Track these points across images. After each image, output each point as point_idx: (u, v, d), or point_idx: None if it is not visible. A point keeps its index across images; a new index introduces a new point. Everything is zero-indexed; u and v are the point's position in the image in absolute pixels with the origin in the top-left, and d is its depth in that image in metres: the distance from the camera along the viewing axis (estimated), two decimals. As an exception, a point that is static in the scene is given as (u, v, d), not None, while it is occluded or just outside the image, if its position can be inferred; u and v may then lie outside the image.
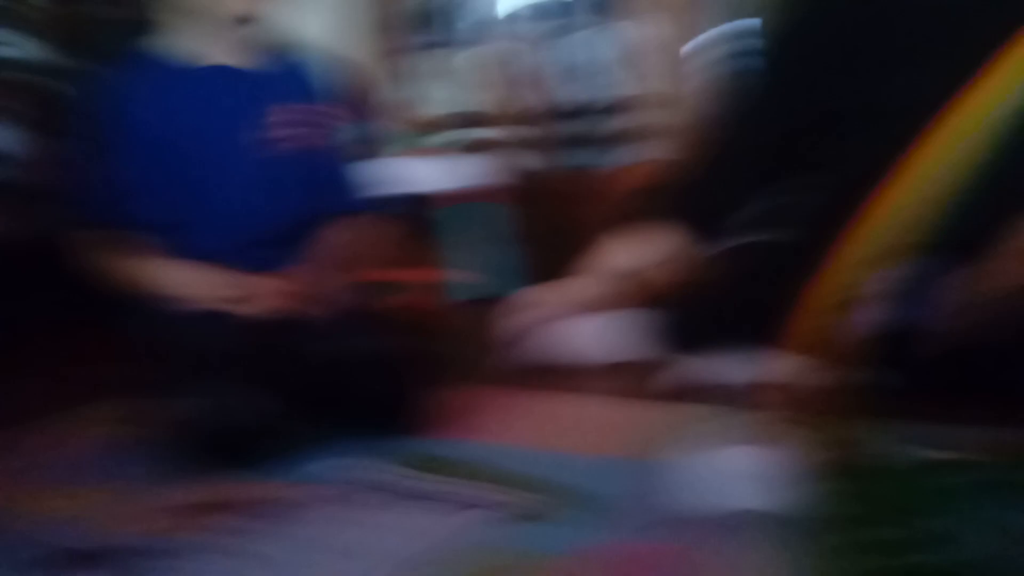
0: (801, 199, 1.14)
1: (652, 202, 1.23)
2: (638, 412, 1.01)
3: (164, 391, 0.93)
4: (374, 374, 0.94)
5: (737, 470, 0.74)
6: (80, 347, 1.60)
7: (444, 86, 2.39)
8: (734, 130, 1.20)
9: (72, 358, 1.56)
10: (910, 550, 0.61)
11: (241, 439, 0.89)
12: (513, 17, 2.25)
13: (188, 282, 0.97)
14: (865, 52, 1.07)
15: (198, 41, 1.02)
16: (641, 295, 1.22)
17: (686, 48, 2.06)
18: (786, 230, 1.16)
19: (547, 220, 2.15)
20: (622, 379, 1.15)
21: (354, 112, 1.17)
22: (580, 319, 1.21)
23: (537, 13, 2.23)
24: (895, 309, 0.92)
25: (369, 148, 1.23)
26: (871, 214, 0.97)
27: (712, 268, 1.20)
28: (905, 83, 1.00)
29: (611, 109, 2.22)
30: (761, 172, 1.17)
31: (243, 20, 1.01)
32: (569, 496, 0.76)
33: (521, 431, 0.97)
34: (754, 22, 1.28)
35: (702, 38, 2.09)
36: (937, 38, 1.03)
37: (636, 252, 1.21)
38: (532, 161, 2.26)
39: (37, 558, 0.70)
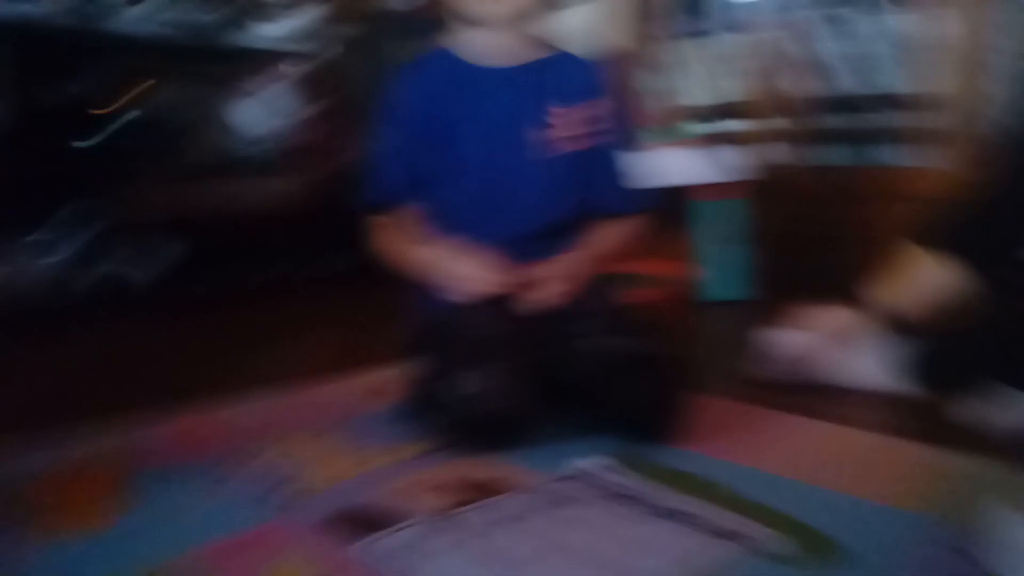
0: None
1: (928, 222, 1.11)
2: (912, 453, 0.92)
3: (434, 370, 0.99)
4: (630, 375, 0.94)
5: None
6: (362, 313, 1.76)
7: (705, 74, 2.32)
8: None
9: (354, 323, 1.72)
10: None
11: (501, 424, 0.93)
12: (783, 3, 2.12)
13: (463, 269, 1.01)
14: None
15: (477, 41, 1.07)
16: (909, 326, 1.11)
17: (983, 47, 1.81)
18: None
19: (795, 221, 2.03)
20: (891, 412, 1.06)
21: (622, 106, 1.17)
22: (848, 344, 1.13)
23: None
24: None
25: (634, 141, 1.22)
26: None
27: (987, 305, 1.06)
28: None
29: (885, 104, 2.02)
30: None
31: (496, 20, 1.03)
32: (831, 544, 0.71)
33: (778, 456, 0.91)
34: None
35: (1004, 38, 1.83)
36: None
37: (908, 284, 1.10)
38: (787, 155, 2.13)
39: (328, 517, 0.79)
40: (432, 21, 1.14)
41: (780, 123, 2.15)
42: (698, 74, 2.34)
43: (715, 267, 1.90)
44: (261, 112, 2.21)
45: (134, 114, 1.98)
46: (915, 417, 1.03)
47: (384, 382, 1.18)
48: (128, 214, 1.93)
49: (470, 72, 1.08)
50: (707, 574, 0.66)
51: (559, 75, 1.09)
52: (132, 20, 1.97)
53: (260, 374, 1.26)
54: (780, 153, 2.15)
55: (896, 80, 1.99)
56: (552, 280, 1.02)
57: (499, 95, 1.07)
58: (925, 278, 1.11)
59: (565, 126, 1.08)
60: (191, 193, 2.04)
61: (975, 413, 0.98)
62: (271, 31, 2.22)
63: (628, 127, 1.18)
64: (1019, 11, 1.77)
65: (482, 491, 0.83)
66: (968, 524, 0.70)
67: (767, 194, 1.99)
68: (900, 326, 1.12)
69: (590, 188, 1.10)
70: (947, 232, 1.10)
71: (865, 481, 0.83)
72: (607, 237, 1.11)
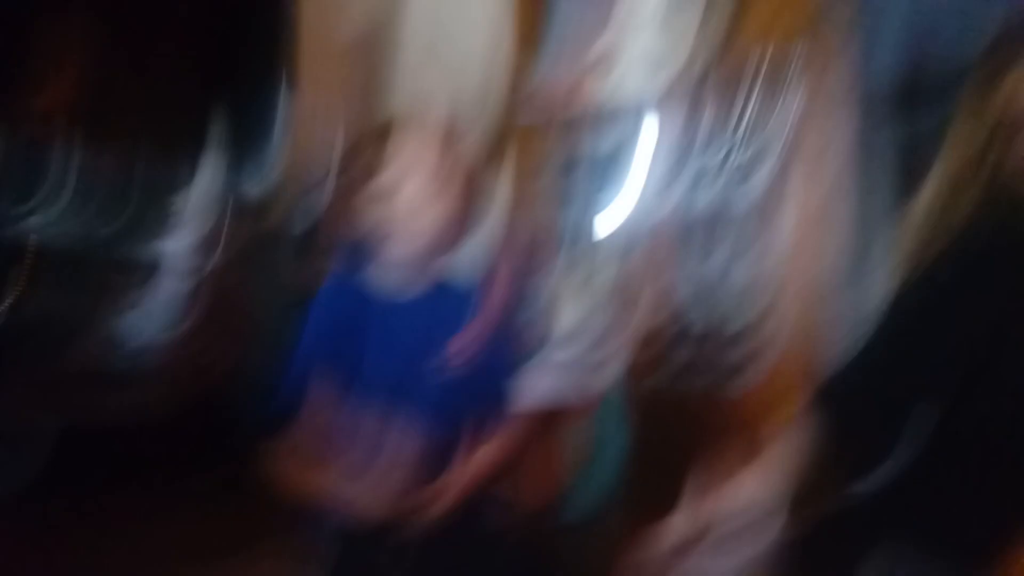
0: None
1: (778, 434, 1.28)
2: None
3: None
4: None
5: None
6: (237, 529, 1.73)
7: (579, 303, 2.57)
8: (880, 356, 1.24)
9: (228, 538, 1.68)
10: None
11: None
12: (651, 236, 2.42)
13: (358, 492, 1.07)
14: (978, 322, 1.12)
15: (379, 272, 1.20)
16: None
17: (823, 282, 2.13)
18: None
19: (656, 442, 2.19)
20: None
21: (506, 331, 1.31)
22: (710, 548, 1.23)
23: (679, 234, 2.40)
24: None
25: (516, 364, 1.36)
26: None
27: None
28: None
29: (743, 334, 2.29)
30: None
31: (402, 261, 1.16)
32: None
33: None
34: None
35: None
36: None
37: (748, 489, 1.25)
38: (649, 380, 2.34)
39: None
40: (330, 244, 1.26)
41: (641, 350, 2.38)
42: (572, 302, 2.58)
43: (584, 483, 2.00)
44: (146, 323, 2.24)
45: (16, 318, 1.97)
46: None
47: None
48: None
49: (381, 298, 1.20)
50: None
51: (453, 304, 1.23)
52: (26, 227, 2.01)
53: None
54: (646, 378, 2.36)
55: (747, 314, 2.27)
56: (439, 497, 1.09)
57: (399, 325, 1.19)
58: (741, 488, 1.25)
59: (458, 351, 1.20)
60: (67, 401, 2.00)
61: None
62: (164, 244, 2.30)
63: (511, 350, 1.32)
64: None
65: None
66: None
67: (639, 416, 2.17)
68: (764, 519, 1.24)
69: (477, 406, 1.21)
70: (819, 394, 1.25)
71: None
72: (488, 454, 1.20)
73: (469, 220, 1.21)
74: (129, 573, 1.43)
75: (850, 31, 1.98)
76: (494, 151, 2.67)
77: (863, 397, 1.24)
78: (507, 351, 1.28)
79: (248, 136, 2.43)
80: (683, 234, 2.39)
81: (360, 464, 1.09)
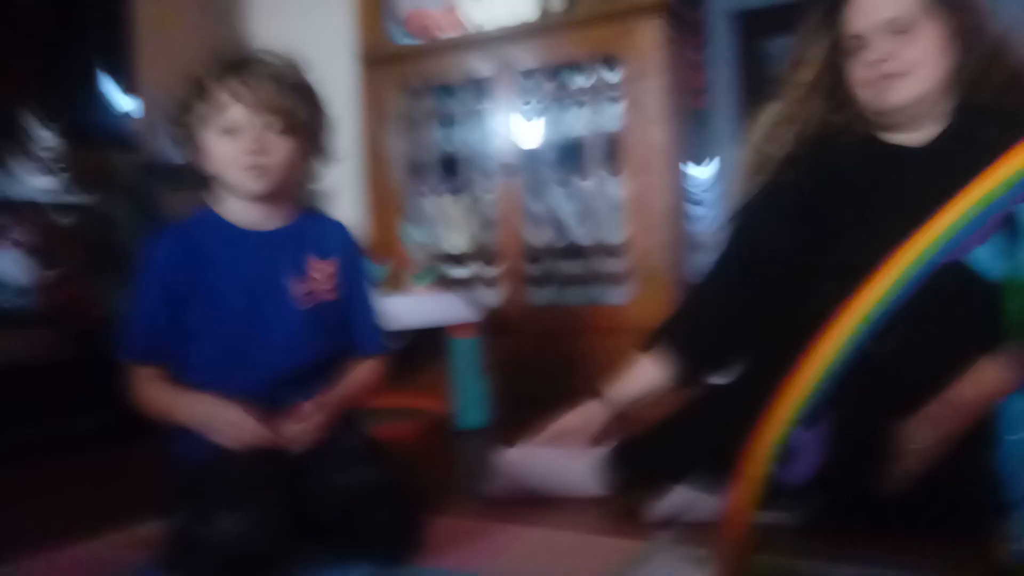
0: (765, 347, 1.29)
1: (643, 339, 1.40)
2: (606, 545, 1.14)
3: (180, 516, 1.06)
4: (377, 502, 1.07)
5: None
6: (108, 468, 1.76)
7: (458, 224, 2.64)
8: (712, 280, 1.37)
9: (100, 479, 1.71)
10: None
11: (258, 563, 1.00)
12: (528, 165, 2.50)
13: (226, 416, 1.12)
14: (818, 215, 1.25)
15: (237, 206, 1.21)
16: (622, 426, 1.38)
17: (669, 200, 2.28)
18: (752, 375, 1.31)
19: (522, 353, 2.32)
20: (594, 512, 1.29)
21: (372, 256, 1.35)
22: (561, 452, 1.36)
23: (550, 161, 2.49)
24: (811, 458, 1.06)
25: (381, 287, 1.41)
26: (805, 365, 1.12)
27: (687, 404, 1.35)
28: (854, 244, 1.17)
29: (604, 252, 2.43)
30: (735, 319, 1.33)
31: (256, 194, 1.18)
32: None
33: (501, 562, 1.09)
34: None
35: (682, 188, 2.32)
36: (882, 204, 1.21)
37: (629, 383, 1.38)
38: (524, 296, 2.46)
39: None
40: (203, 175, 1.25)
41: (518, 267, 2.48)
42: (452, 224, 2.65)
43: (466, 398, 2.11)
44: (21, 263, 2.16)
45: None
46: (612, 514, 1.27)
47: (145, 536, 1.21)
48: None
49: (231, 233, 1.21)
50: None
51: (314, 233, 1.26)
52: None
53: (10, 538, 1.25)
54: (518, 293, 2.48)
55: (612, 231, 2.41)
56: (308, 419, 1.15)
57: (258, 254, 1.20)
58: (637, 376, 1.39)
59: (319, 279, 1.24)
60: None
61: (673, 506, 1.22)
62: (38, 182, 2.21)
63: (376, 273, 1.35)
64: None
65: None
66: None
67: (504, 330, 2.29)
68: (621, 424, 1.38)
69: (343, 333, 1.26)
70: (659, 331, 1.39)
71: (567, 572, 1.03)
72: (358, 376, 1.26)
73: (312, 158, 1.22)
74: (5, 511, 1.44)
75: None
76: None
77: (703, 323, 1.37)
78: (374, 274, 1.32)
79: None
80: (558, 158, 2.49)
81: (216, 402, 1.12)
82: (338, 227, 1.30)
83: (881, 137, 1.27)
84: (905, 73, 1.19)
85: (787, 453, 0.80)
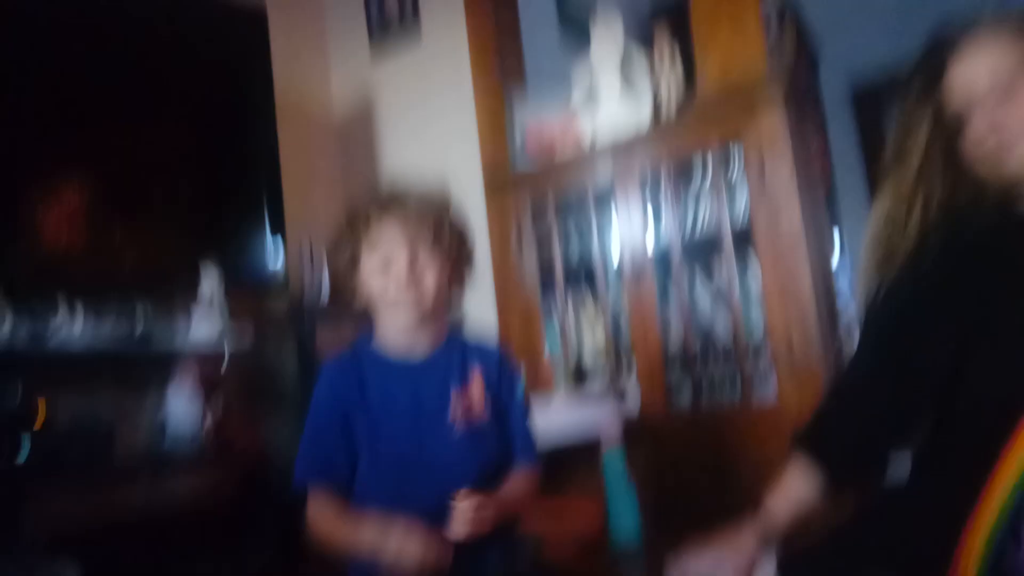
0: (934, 445, 1.19)
1: (790, 444, 1.32)
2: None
3: None
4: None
5: None
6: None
7: (594, 332, 2.63)
8: (855, 381, 1.29)
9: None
10: None
11: None
12: (652, 264, 2.48)
13: (397, 544, 1.12)
14: (963, 302, 1.15)
15: (391, 332, 1.26)
16: (783, 538, 1.27)
17: (809, 287, 2.19)
18: (930, 473, 1.20)
19: (673, 463, 2.22)
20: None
21: (519, 370, 1.37)
22: (752, 565, 1.27)
23: (680, 259, 2.47)
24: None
25: (531, 400, 1.41)
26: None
27: (860, 512, 1.25)
28: (1010, 326, 1.08)
29: (739, 348, 2.34)
30: (883, 422, 1.24)
31: (408, 313, 1.22)
32: None
33: None
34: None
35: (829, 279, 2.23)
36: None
37: (780, 502, 1.29)
38: (647, 403, 2.38)
39: None
40: (347, 310, 1.31)
41: (656, 371, 2.43)
42: (587, 333, 2.65)
43: (617, 510, 2.03)
44: (191, 408, 2.31)
45: (61, 426, 2.05)
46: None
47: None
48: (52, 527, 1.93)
49: (387, 362, 1.26)
50: None
51: (464, 355, 1.29)
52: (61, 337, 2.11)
53: None
54: (657, 399, 2.41)
55: (752, 326, 2.33)
56: (468, 504, 1.13)
57: (414, 381, 1.25)
58: (787, 492, 1.30)
59: (472, 400, 1.26)
60: (120, 496, 2.07)
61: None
62: (203, 327, 2.38)
63: (525, 392, 1.37)
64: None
65: None
66: None
67: (646, 439, 2.21)
68: (782, 538, 1.27)
69: (500, 448, 1.27)
70: (801, 438, 1.30)
71: None
72: (514, 485, 1.25)
73: (458, 285, 1.27)
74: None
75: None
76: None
77: (847, 429, 1.28)
78: (523, 393, 1.33)
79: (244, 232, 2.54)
80: (688, 255, 2.46)
81: (385, 521, 1.13)
82: (486, 347, 1.32)
83: (1017, 210, 1.17)
84: (1020, 137, 1.11)
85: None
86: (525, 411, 1.31)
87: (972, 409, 1.12)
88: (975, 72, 1.15)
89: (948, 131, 1.19)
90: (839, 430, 1.28)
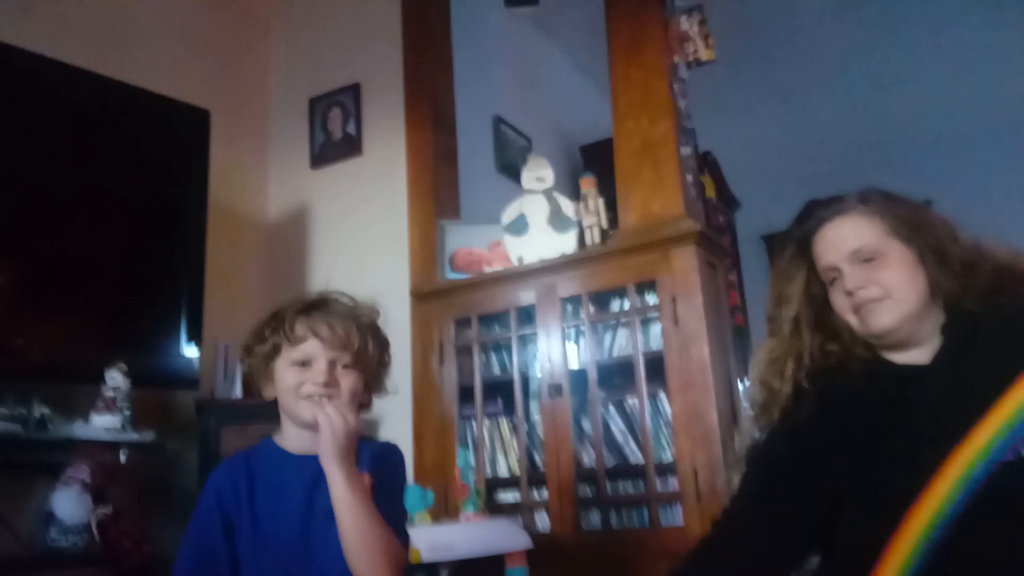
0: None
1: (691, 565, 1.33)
2: None
3: None
4: None
5: None
6: None
7: (507, 449, 2.63)
8: (733, 525, 1.31)
9: None
10: None
11: None
12: (569, 384, 2.53)
13: None
14: (837, 446, 1.22)
15: (290, 432, 1.26)
16: None
17: (716, 416, 2.27)
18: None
19: None
20: None
21: (422, 481, 1.36)
22: None
23: (595, 381, 2.52)
24: None
25: (431, 513, 1.39)
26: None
27: None
28: (884, 470, 1.15)
29: (649, 471, 2.39)
30: (782, 544, 1.28)
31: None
32: None
33: None
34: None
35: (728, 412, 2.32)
36: (903, 426, 1.17)
37: None
38: (558, 521, 2.39)
39: None
40: (259, 409, 1.30)
41: (568, 490, 2.44)
42: (502, 447, 2.65)
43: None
44: (80, 501, 2.20)
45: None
46: None
47: None
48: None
49: (284, 459, 1.25)
50: None
51: (360, 457, 1.27)
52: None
53: None
54: (569, 517, 2.41)
55: (663, 450, 2.39)
56: None
57: (308, 478, 1.23)
58: None
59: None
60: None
61: None
62: (101, 421, 2.29)
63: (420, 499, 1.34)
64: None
65: None
66: None
67: (557, 558, 2.20)
68: None
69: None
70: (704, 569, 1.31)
71: None
72: None
73: (375, 392, 1.29)
74: None
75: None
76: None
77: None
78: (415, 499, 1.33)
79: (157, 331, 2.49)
80: (603, 378, 2.52)
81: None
82: (380, 447, 1.32)
83: (887, 357, 1.26)
84: (883, 298, 1.20)
85: None
86: (398, 505, 1.29)
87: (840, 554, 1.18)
88: (844, 234, 1.26)
89: (818, 285, 1.30)
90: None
